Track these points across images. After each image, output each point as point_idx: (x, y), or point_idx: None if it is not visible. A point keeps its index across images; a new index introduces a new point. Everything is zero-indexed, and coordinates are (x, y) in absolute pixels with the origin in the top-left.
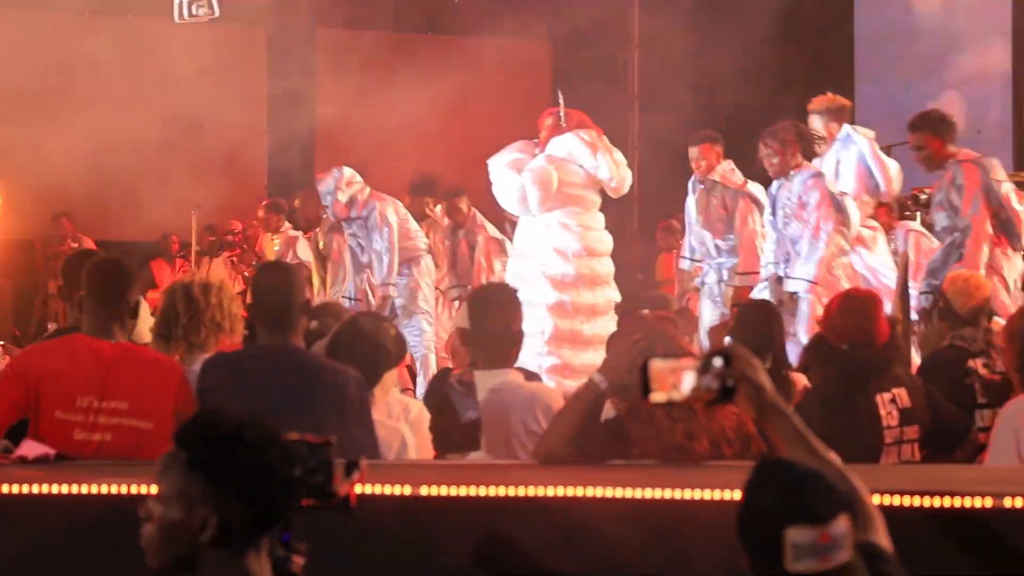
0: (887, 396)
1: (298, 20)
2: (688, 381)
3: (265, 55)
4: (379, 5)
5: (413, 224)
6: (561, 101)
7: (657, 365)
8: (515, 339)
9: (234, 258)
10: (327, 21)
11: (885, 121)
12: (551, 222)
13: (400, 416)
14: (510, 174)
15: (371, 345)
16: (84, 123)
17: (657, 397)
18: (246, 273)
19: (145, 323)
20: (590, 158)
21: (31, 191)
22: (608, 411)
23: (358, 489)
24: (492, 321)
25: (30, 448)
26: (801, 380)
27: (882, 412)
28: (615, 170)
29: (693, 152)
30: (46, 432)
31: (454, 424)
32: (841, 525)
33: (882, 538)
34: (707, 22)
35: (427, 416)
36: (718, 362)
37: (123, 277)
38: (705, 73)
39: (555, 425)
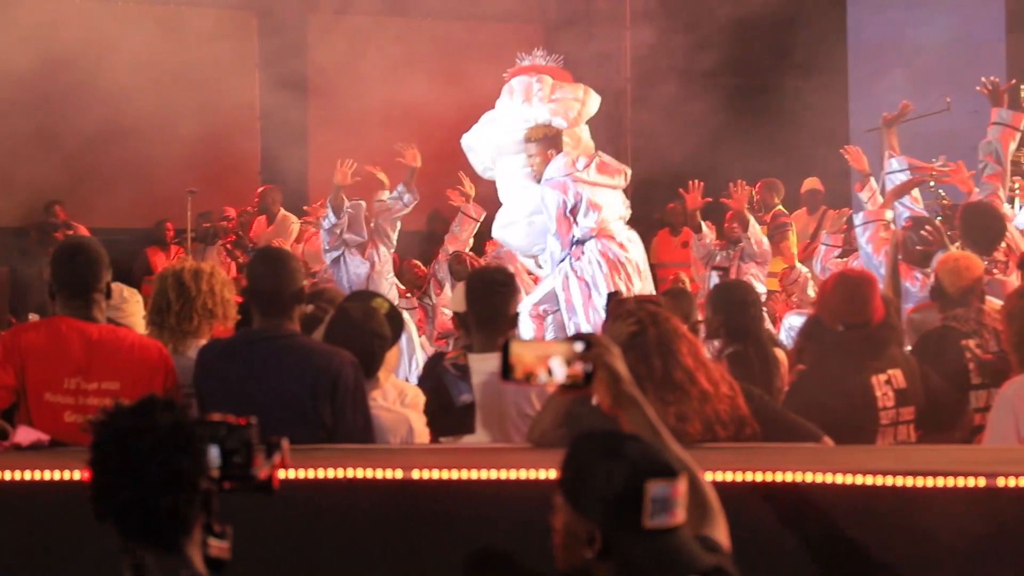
0: (883, 377)
1: (289, 4)
2: (551, 365)
3: (257, 40)
4: None
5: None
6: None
7: (517, 348)
8: (511, 322)
9: (228, 244)
10: (318, 6)
11: None
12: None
13: (396, 400)
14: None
15: (364, 333)
16: (77, 109)
17: (516, 379)
18: (241, 260)
19: (138, 311)
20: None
21: (25, 178)
22: None
23: (349, 473)
24: (488, 304)
25: (24, 434)
26: (783, 356)
27: (878, 393)
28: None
29: None
30: (36, 415)
31: (449, 408)
32: (684, 482)
33: (722, 536)
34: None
35: (422, 399)
36: (578, 347)
37: (89, 260)
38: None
39: (547, 408)
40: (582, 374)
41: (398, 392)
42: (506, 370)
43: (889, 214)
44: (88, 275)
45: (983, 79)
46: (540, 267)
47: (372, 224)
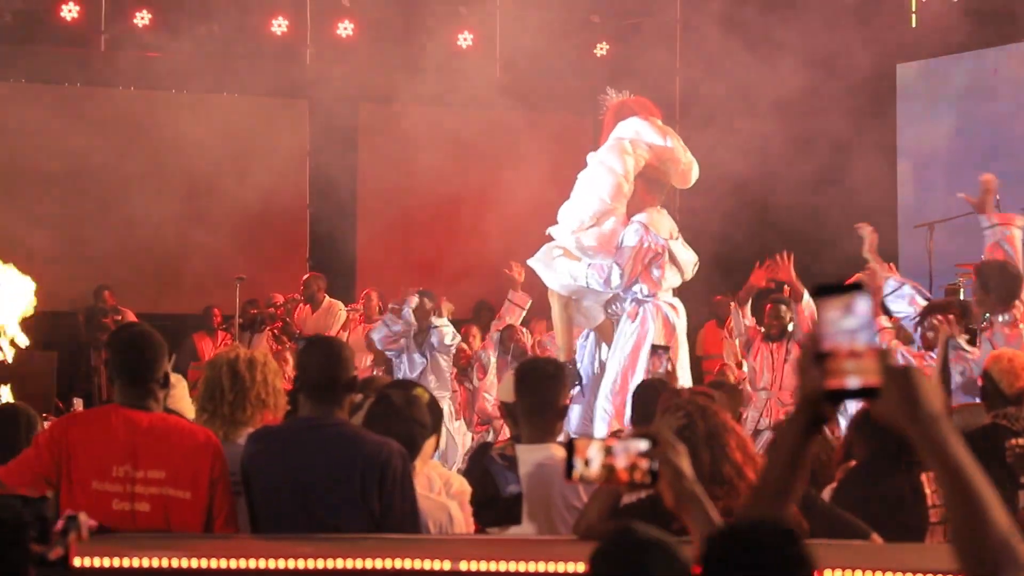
0: (932, 475)
1: (340, 93)
2: (611, 463)
3: (308, 128)
4: (420, 79)
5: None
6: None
7: (581, 445)
8: (560, 414)
9: (275, 331)
10: (369, 94)
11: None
12: None
13: (441, 490)
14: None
15: (404, 420)
16: (126, 196)
17: (577, 478)
18: (287, 346)
19: (184, 396)
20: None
21: (74, 263)
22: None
23: (397, 564)
24: (537, 395)
25: None
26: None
27: (927, 491)
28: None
29: None
30: (84, 503)
31: (496, 498)
32: None
33: None
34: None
35: (468, 490)
36: (642, 445)
37: (150, 349)
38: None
39: (594, 500)
40: (648, 472)
41: (444, 481)
42: (569, 469)
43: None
44: (146, 364)
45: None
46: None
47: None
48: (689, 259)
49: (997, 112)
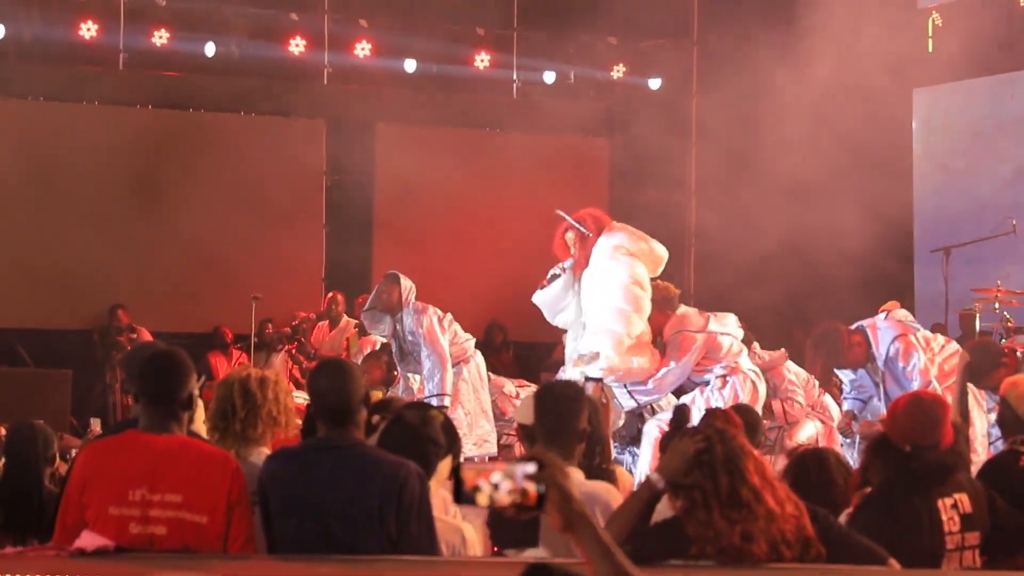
0: (949, 501)
1: (357, 113)
2: (497, 487)
3: (324, 147)
4: (439, 100)
5: (457, 325)
6: (566, 215)
7: (469, 469)
8: (579, 436)
9: (292, 350)
10: (386, 115)
11: None
12: None
13: (457, 512)
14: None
15: (418, 440)
16: (142, 215)
17: (470, 501)
18: (304, 365)
19: (199, 417)
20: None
21: (89, 282)
22: (666, 511)
23: None
24: (556, 418)
25: (89, 539)
26: (625, 476)
27: (943, 517)
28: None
29: None
30: (102, 528)
31: (513, 519)
32: None
33: None
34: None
35: (484, 511)
36: (530, 468)
37: (177, 372)
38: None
39: (611, 523)
40: (535, 495)
41: None
42: (458, 493)
43: None
44: (170, 386)
45: None
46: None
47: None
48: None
49: (1015, 138)
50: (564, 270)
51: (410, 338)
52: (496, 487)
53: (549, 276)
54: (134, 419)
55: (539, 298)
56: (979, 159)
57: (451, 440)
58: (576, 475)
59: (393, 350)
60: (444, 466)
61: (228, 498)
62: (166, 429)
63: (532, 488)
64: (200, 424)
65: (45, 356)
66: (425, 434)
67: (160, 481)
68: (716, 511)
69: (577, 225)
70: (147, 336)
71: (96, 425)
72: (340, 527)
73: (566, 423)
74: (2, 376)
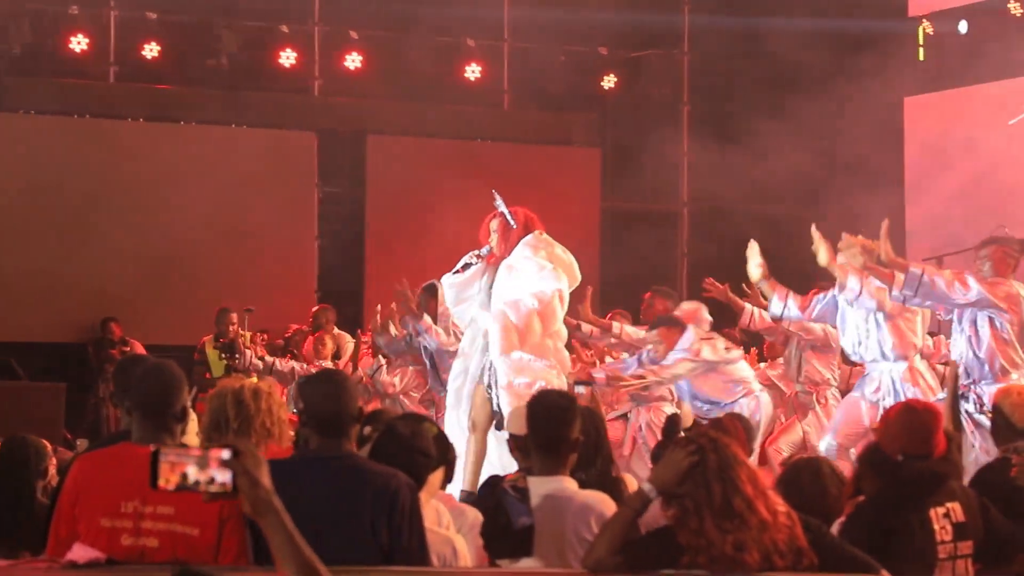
0: (941, 510)
1: (349, 125)
2: (191, 473)
3: (316, 159)
4: (428, 112)
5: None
6: (500, 201)
7: (165, 455)
8: (572, 447)
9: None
10: (377, 127)
11: None
12: None
13: (449, 524)
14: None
15: (409, 451)
16: (134, 228)
17: (164, 486)
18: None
19: (191, 429)
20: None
21: (81, 294)
22: (658, 520)
23: None
24: (549, 428)
25: (81, 552)
26: (632, 482)
27: (936, 527)
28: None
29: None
30: (94, 540)
31: (507, 530)
32: None
33: None
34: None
35: (477, 523)
36: (224, 455)
37: (170, 385)
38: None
39: (604, 534)
40: (229, 482)
41: (458, 512)
42: (154, 478)
43: None
44: (164, 399)
45: None
46: None
47: None
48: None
49: (1006, 145)
50: (479, 258)
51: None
52: (191, 473)
53: (462, 263)
54: (126, 431)
55: (448, 280)
56: (970, 166)
57: (443, 451)
58: (570, 484)
59: (428, 369)
60: (436, 478)
61: (220, 510)
62: (159, 441)
63: (226, 475)
64: (192, 436)
65: (38, 369)
66: (416, 446)
67: (152, 493)
68: (708, 520)
69: (506, 213)
70: (140, 349)
71: (82, 447)
72: (331, 538)
73: (558, 433)
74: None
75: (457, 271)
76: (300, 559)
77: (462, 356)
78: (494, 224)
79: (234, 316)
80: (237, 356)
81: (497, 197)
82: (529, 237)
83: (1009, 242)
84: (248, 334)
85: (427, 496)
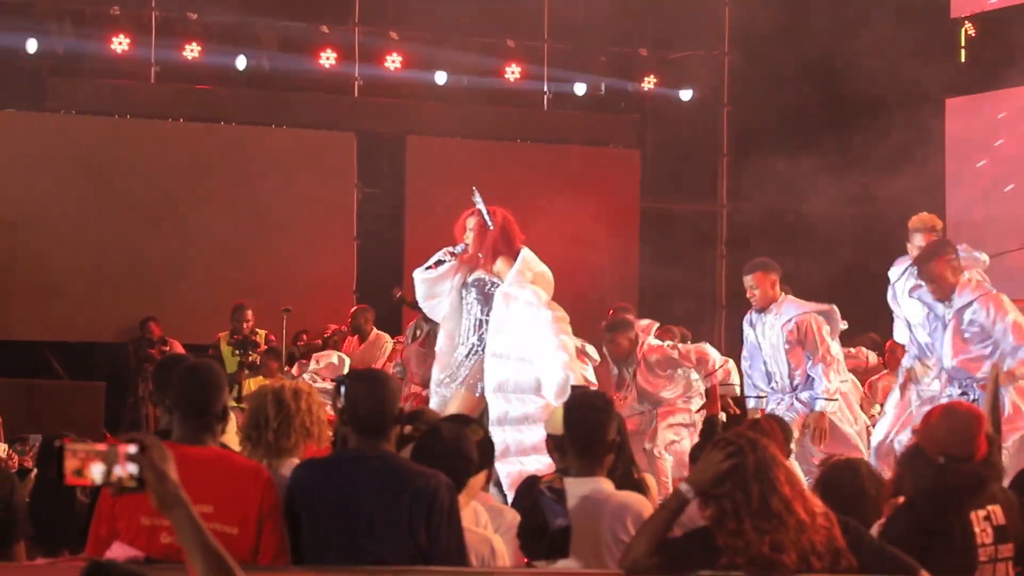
0: (981, 513)
1: (389, 125)
2: (98, 468)
3: (355, 160)
4: (468, 113)
5: None
6: (480, 199)
7: (72, 449)
8: (609, 447)
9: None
10: (417, 127)
11: None
12: None
13: (487, 524)
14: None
15: (452, 453)
16: (174, 228)
17: (71, 480)
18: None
19: (231, 428)
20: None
21: (122, 294)
22: (696, 521)
23: None
24: (586, 428)
25: (120, 551)
26: (652, 482)
27: (976, 530)
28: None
29: (747, 280)
30: (134, 538)
31: (543, 531)
32: None
33: None
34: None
35: (514, 525)
36: (131, 450)
37: (212, 385)
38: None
39: (641, 535)
40: (136, 476)
41: (497, 512)
42: (60, 473)
43: None
44: (205, 398)
45: None
46: None
47: None
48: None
49: None
50: (453, 255)
51: None
52: (98, 467)
53: (435, 259)
54: (166, 430)
55: (420, 275)
56: (1013, 169)
57: (487, 455)
58: (606, 485)
59: None
60: (477, 481)
61: (259, 510)
62: (200, 441)
63: (133, 469)
64: (232, 435)
65: (78, 368)
66: (459, 449)
67: (192, 492)
68: (746, 521)
69: (484, 212)
70: (179, 348)
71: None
72: (369, 538)
73: (595, 434)
74: (35, 388)
75: (429, 267)
76: (210, 554)
77: (441, 357)
78: (471, 222)
79: (249, 313)
80: (251, 353)
81: (476, 194)
82: (520, 263)
83: None
84: (263, 332)
85: (467, 498)
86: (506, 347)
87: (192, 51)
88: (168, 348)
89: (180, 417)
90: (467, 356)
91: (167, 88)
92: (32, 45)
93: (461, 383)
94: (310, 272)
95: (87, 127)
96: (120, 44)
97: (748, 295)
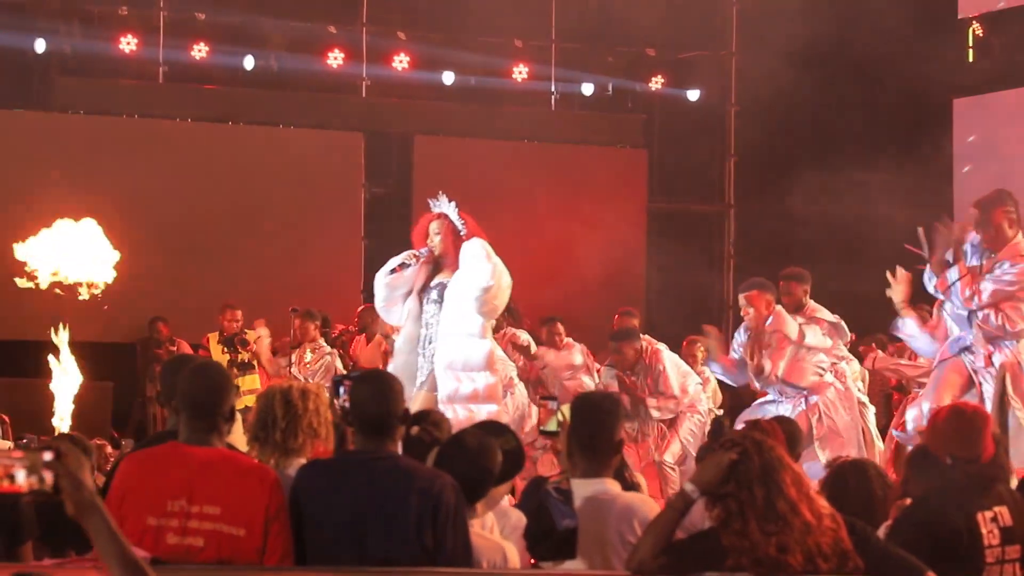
0: (988, 514)
1: (396, 125)
2: (22, 475)
3: (363, 160)
4: (475, 113)
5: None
6: (449, 205)
7: None
8: (615, 448)
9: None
10: (425, 126)
11: None
12: None
13: (494, 526)
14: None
15: (472, 464)
16: (182, 228)
17: (2, 488)
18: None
19: (238, 429)
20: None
21: (129, 295)
22: (698, 525)
23: None
24: (592, 429)
25: None
26: (645, 486)
27: (983, 531)
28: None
29: (742, 300)
30: (140, 538)
31: (550, 532)
32: None
33: None
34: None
35: (521, 527)
36: (47, 456)
37: (219, 386)
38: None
39: (647, 536)
40: (52, 482)
41: (502, 513)
42: None
43: None
44: (212, 400)
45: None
46: None
47: None
48: None
49: None
50: (417, 258)
51: None
52: (15, 474)
53: (399, 262)
54: (173, 431)
55: (382, 279)
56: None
57: (515, 465)
58: (612, 486)
59: None
60: (498, 492)
61: (266, 511)
62: (207, 442)
63: (48, 476)
64: (239, 435)
65: (86, 368)
66: (479, 459)
67: (199, 493)
68: (752, 522)
69: (454, 219)
70: (187, 349)
71: (128, 448)
72: (374, 539)
73: (601, 435)
74: (43, 388)
75: (394, 270)
76: (125, 560)
77: (399, 356)
78: (435, 226)
79: (238, 313)
80: (239, 351)
81: (443, 198)
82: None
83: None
84: (254, 332)
85: (484, 507)
86: (455, 325)
87: (200, 51)
88: (176, 348)
89: (187, 418)
90: (426, 359)
91: (175, 88)
92: (40, 45)
93: (424, 383)
94: (318, 272)
95: (95, 127)
96: (128, 44)
97: (742, 313)
